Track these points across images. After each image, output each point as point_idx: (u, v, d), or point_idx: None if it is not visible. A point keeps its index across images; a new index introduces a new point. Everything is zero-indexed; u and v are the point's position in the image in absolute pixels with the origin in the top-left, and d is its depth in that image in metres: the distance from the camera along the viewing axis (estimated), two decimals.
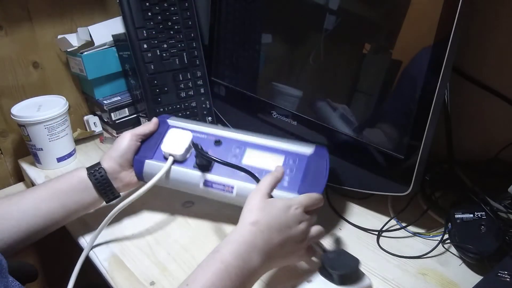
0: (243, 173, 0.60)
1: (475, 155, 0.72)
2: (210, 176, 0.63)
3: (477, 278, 0.55)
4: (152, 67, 0.87)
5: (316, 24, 0.70)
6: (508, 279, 0.50)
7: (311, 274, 0.54)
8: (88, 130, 0.94)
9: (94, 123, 0.94)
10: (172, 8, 0.88)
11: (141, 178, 0.66)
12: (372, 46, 0.65)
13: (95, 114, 0.96)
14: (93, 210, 0.65)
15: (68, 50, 0.89)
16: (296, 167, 0.63)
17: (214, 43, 0.92)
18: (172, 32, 0.88)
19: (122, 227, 0.67)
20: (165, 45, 0.88)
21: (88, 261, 0.62)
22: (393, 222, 0.66)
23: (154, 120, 0.70)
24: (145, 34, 0.86)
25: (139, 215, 0.70)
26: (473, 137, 0.74)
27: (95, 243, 0.64)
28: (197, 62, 0.91)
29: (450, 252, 0.61)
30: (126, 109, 0.93)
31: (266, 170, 0.62)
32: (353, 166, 0.68)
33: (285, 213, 0.51)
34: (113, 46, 0.89)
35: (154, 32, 0.87)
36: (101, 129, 0.95)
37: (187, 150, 0.64)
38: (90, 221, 0.69)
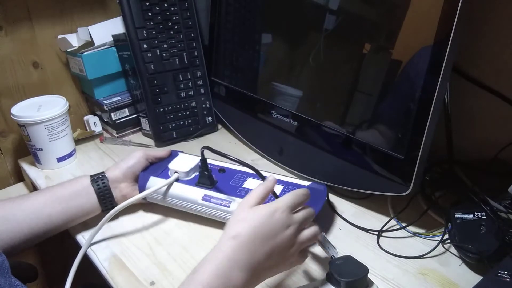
0: (242, 192, 0.64)
1: (475, 155, 0.71)
2: (210, 192, 0.65)
3: (477, 278, 0.55)
4: (152, 67, 0.87)
5: (316, 24, 0.70)
6: (508, 279, 0.50)
7: (318, 281, 0.54)
8: (88, 130, 0.94)
9: (94, 123, 0.94)
10: (172, 8, 0.88)
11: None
12: (372, 46, 0.65)
13: (95, 114, 0.96)
14: (92, 216, 0.66)
15: (68, 50, 0.89)
16: None
17: (214, 43, 0.92)
18: (172, 32, 0.88)
19: (122, 227, 0.67)
20: (165, 45, 0.88)
21: (88, 261, 0.62)
22: (393, 222, 0.66)
23: (168, 150, 0.74)
24: (145, 34, 0.86)
25: (139, 215, 0.70)
26: (473, 137, 0.74)
27: (94, 241, 0.64)
28: (197, 62, 0.91)
29: (450, 252, 0.61)
30: (126, 109, 0.93)
31: None
32: (353, 166, 0.68)
33: (270, 219, 0.47)
34: (113, 46, 0.89)
35: (154, 32, 0.87)
36: (101, 129, 0.95)
37: (192, 170, 0.68)
38: (90, 221, 0.69)
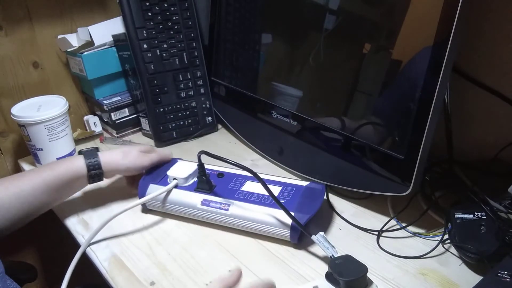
0: (241, 196, 0.65)
1: (475, 155, 0.72)
2: (208, 197, 0.65)
3: (477, 278, 0.55)
4: (152, 67, 0.87)
5: (316, 24, 0.70)
6: (508, 279, 0.50)
7: (317, 280, 0.54)
8: (88, 130, 0.94)
9: (94, 123, 0.94)
10: (172, 8, 0.88)
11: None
12: (372, 46, 0.65)
13: (95, 114, 0.96)
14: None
15: (68, 50, 0.89)
16: (292, 194, 0.65)
17: (214, 43, 0.92)
18: (172, 32, 0.88)
19: (122, 227, 0.67)
20: (165, 45, 0.88)
21: (88, 261, 0.62)
22: (393, 222, 0.66)
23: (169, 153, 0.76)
24: (145, 34, 0.86)
25: (139, 215, 0.70)
26: (473, 137, 0.74)
27: (94, 241, 0.64)
28: (197, 62, 0.91)
29: (450, 252, 0.61)
30: (126, 109, 0.93)
31: (264, 196, 0.64)
32: (353, 166, 0.68)
33: None
34: (113, 46, 0.89)
35: (154, 32, 0.87)
36: (101, 129, 0.95)
37: (191, 176, 0.68)
38: (90, 221, 0.69)
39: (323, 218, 0.67)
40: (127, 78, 0.93)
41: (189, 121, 0.92)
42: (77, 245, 0.65)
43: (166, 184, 0.67)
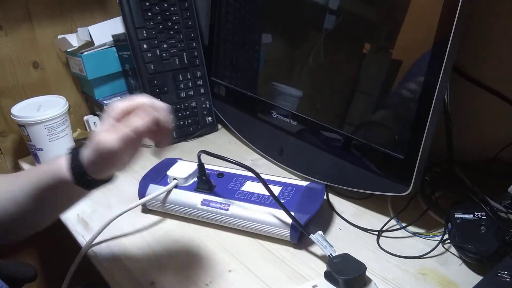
0: (241, 195, 0.65)
1: (475, 155, 0.72)
2: (208, 197, 0.65)
3: (477, 278, 0.55)
4: (152, 67, 0.87)
5: (316, 24, 0.70)
6: (508, 279, 0.50)
7: (316, 279, 0.54)
8: (88, 130, 0.94)
9: (94, 123, 0.94)
10: (172, 8, 0.88)
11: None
12: (372, 46, 0.65)
13: (95, 114, 0.96)
14: None
15: (68, 50, 0.89)
16: (292, 194, 0.65)
17: (214, 43, 0.92)
18: (172, 32, 0.88)
19: (122, 227, 0.67)
20: (165, 45, 0.88)
21: (88, 261, 0.62)
22: (393, 222, 0.66)
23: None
24: (145, 34, 0.86)
25: (139, 215, 0.70)
26: (473, 137, 0.74)
27: (94, 242, 0.64)
28: (197, 62, 0.91)
29: (450, 252, 0.61)
30: None
31: (264, 195, 0.64)
32: (353, 166, 0.68)
33: None
34: (113, 46, 0.89)
35: (154, 32, 0.87)
36: None
37: (191, 176, 0.68)
38: (90, 221, 0.69)
39: (323, 218, 0.67)
40: (127, 78, 0.93)
41: (189, 121, 0.92)
42: (77, 245, 0.65)
43: (166, 184, 0.67)
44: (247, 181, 0.68)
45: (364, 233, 0.65)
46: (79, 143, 0.57)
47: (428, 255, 0.60)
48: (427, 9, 0.56)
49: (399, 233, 0.64)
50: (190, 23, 0.90)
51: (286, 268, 0.58)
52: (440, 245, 0.61)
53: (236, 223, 0.63)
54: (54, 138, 0.80)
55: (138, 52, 0.86)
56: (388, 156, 0.63)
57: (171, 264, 0.60)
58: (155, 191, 0.66)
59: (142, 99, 0.49)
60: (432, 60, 0.55)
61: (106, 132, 0.46)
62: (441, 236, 0.61)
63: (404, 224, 0.65)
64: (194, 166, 0.69)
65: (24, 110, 0.80)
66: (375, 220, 0.67)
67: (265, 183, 0.59)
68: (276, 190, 0.65)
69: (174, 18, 0.88)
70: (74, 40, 0.88)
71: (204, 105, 0.93)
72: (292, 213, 0.59)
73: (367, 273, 0.52)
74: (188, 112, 0.91)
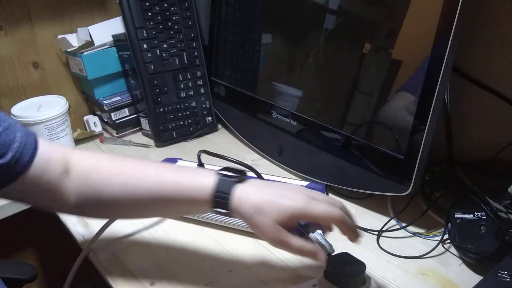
0: None
1: (475, 155, 0.71)
2: None
3: (477, 278, 0.55)
4: (152, 67, 0.87)
5: (316, 24, 0.70)
6: (508, 279, 0.50)
7: (316, 278, 0.54)
8: (88, 130, 0.94)
9: (94, 123, 0.94)
10: (172, 8, 0.88)
11: None
12: (372, 46, 0.65)
13: (95, 114, 0.96)
14: None
15: (68, 50, 0.89)
16: None
17: (214, 43, 0.92)
18: (172, 32, 0.88)
19: (122, 227, 0.67)
20: (165, 45, 0.88)
21: (88, 261, 0.62)
22: (393, 222, 0.66)
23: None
24: (145, 34, 0.86)
25: None
26: (473, 137, 0.74)
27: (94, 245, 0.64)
28: (197, 62, 0.91)
29: (450, 252, 0.61)
30: (126, 109, 0.93)
31: None
32: (353, 166, 0.68)
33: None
34: (113, 46, 0.89)
35: (154, 32, 0.87)
36: (101, 129, 0.95)
37: None
38: (90, 221, 0.69)
39: None
40: (127, 78, 0.93)
41: (189, 121, 0.92)
42: (77, 245, 0.65)
43: None
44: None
45: (364, 233, 0.65)
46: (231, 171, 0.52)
47: (428, 255, 0.60)
48: (427, 9, 0.56)
49: (399, 233, 0.64)
50: (190, 23, 0.90)
51: (286, 268, 0.58)
52: (440, 245, 0.61)
53: (236, 223, 0.63)
54: (54, 138, 0.80)
55: (138, 52, 0.86)
56: (388, 156, 0.63)
57: (171, 264, 0.60)
58: None
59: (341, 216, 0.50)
60: (432, 60, 0.55)
61: (313, 203, 0.48)
62: (441, 236, 0.61)
63: (404, 224, 0.65)
64: (194, 166, 0.69)
65: (24, 110, 0.80)
66: (375, 220, 0.67)
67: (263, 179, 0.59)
68: None
69: (174, 18, 0.88)
70: (74, 40, 0.88)
71: (204, 105, 0.93)
72: None
73: (367, 273, 0.52)
74: (188, 112, 0.91)
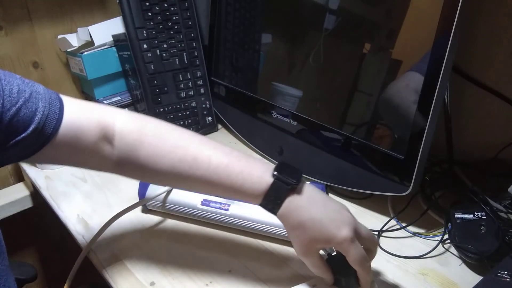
0: None
1: (475, 155, 0.72)
2: (208, 197, 0.65)
3: (477, 278, 0.55)
4: (152, 67, 0.87)
5: (316, 23, 0.70)
6: (508, 279, 0.50)
7: (316, 278, 0.54)
8: None
9: None
10: (172, 8, 0.88)
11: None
12: (372, 46, 0.65)
13: None
14: None
15: (68, 50, 0.89)
16: None
17: (214, 43, 0.92)
18: (172, 32, 0.88)
19: (122, 227, 0.67)
20: (165, 45, 0.88)
21: (88, 261, 0.62)
22: (393, 222, 0.66)
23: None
24: (145, 34, 0.86)
25: (139, 215, 0.70)
26: (473, 137, 0.74)
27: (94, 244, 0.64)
28: (197, 62, 0.91)
29: (450, 252, 0.61)
30: (126, 109, 0.93)
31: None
32: (353, 166, 0.68)
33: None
34: (113, 46, 0.89)
35: (154, 32, 0.87)
36: None
37: None
38: (90, 221, 0.69)
39: None
40: (127, 78, 0.93)
41: (189, 121, 0.92)
42: (77, 245, 0.65)
43: None
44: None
45: None
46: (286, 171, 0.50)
47: (428, 255, 0.60)
48: (427, 9, 0.56)
49: (399, 233, 0.64)
50: (190, 23, 0.90)
51: (286, 268, 0.58)
52: (440, 245, 0.61)
53: (236, 223, 0.63)
54: None
55: (138, 52, 0.86)
56: (388, 156, 0.63)
57: (171, 264, 0.60)
58: (155, 191, 0.66)
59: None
60: (432, 60, 0.55)
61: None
62: (441, 236, 0.61)
63: (404, 224, 0.65)
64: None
65: None
66: (375, 220, 0.67)
67: None
68: None
69: (174, 18, 0.88)
70: (74, 40, 0.88)
71: (204, 105, 0.93)
72: None
73: None
74: (188, 112, 0.91)
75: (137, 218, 0.69)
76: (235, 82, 0.90)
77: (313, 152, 0.74)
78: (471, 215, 0.60)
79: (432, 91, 0.55)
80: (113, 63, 0.91)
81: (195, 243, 0.64)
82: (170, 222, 0.68)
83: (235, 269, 0.58)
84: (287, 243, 0.62)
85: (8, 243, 0.48)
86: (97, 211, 0.71)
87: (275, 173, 0.49)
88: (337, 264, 0.52)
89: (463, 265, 0.58)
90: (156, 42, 0.87)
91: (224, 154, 0.50)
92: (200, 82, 0.92)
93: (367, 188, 0.67)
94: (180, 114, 0.91)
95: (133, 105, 0.93)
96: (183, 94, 0.90)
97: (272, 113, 0.80)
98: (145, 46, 0.86)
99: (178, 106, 0.90)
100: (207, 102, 0.93)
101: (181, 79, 0.90)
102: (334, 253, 0.55)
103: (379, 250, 0.61)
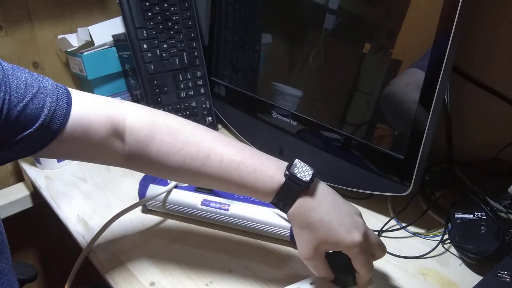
0: (240, 196, 0.63)
1: (475, 155, 0.72)
2: (208, 197, 0.65)
3: (477, 278, 0.55)
4: (152, 67, 0.87)
5: (316, 23, 0.70)
6: (508, 279, 0.50)
7: (313, 276, 0.54)
8: None
9: None
10: (172, 8, 0.88)
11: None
12: (372, 46, 0.65)
13: None
14: None
15: (68, 50, 0.89)
16: None
17: (214, 43, 0.92)
18: (172, 32, 0.88)
19: (122, 227, 0.67)
20: (165, 45, 0.88)
21: (88, 261, 0.62)
22: (393, 222, 0.66)
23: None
24: (145, 34, 0.86)
25: (139, 215, 0.70)
26: (473, 137, 0.74)
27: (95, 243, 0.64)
28: (197, 62, 0.91)
29: (450, 252, 0.61)
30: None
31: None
32: (353, 166, 0.68)
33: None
34: (113, 46, 0.89)
35: (154, 32, 0.87)
36: None
37: None
38: (90, 221, 0.69)
39: None
40: (127, 78, 0.93)
41: None
42: (77, 245, 0.65)
43: (166, 184, 0.67)
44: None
45: None
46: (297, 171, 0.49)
47: (428, 255, 0.60)
48: (427, 9, 0.56)
49: (399, 233, 0.64)
50: (190, 23, 0.90)
51: (286, 268, 0.58)
52: (440, 245, 0.61)
53: (236, 223, 0.63)
54: None
55: (138, 52, 0.86)
56: (388, 156, 0.63)
57: (171, 264, 0.60)
58: (155, 191, 0.66)
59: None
60: (432, 60, 0.55)
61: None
62: (441, 236, 0.61)
63: (404, 224, 0.65)
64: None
65: None
66: (375, 220, 0.67)
67: None
68: None
69: (174, 18, 0.88)
70: (74, 40, 0.88)
71: (204, 105, 0.93)
72: None
73: None
74: (188, 112, 0.91)
75: (137, 218, 0.69)
76: (235, 82, 0.90)
77: (313, 152, 0.74)
78: (471, 215, 0.60)
79: (432, 91, 0.55)
80: (113, 63, 0.91)
81: (195, 243, 0.64)
82: (170, 222, 0.68)
83: (235, 269, 0.58)
84: (287, 243, 0.62)
85: (8, 243, 0.48)
86: (97, 211, 0.71)
87: (287, 172, 0.48)
88: (335, 261, 0.52)
89: (463, 265, 0.58)
90: (156, 42, 0.87)
91: (236, 151, 0.50)
92: (200, 82, 0.92)
93: (367, 188, 0.67)
94: (180, 114, 0.91)
95: None
96: (183, 94, 0.90)
97: (272, 113, 0.80)
98: (145, 46, 0.86)
99: (178, 106, 0.90)
100: (207, 102, 0.93)
101: (181, 79, 0.90)
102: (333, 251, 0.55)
103: None
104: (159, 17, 0.87)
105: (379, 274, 0.57)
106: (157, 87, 0.88)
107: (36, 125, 0.44)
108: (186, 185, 0.68)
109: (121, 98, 0.93)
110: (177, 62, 0.89)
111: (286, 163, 0.50)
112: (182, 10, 0.89)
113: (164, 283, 0.57)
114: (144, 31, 0.86)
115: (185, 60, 0.90)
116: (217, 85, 0.94)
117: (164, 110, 0.88)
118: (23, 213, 0.89)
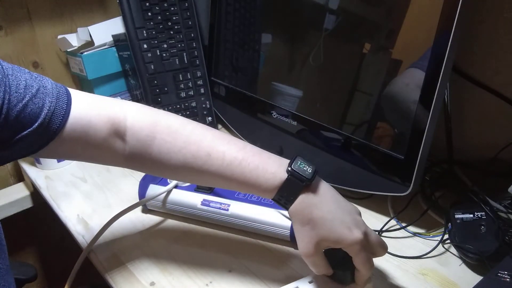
0: (241, 196, 0.64)
1: (475, 155, 0.71)
2: (208, 197, 0.65)
3: (477, 278, 0.55)
4: (152, 67, 0.87)
5: (316, 23, 0.70)
6: (508, 279, 0.50)
7: (312, 274, 0.54)
8: None
9: None
10: (172, 8, 0.88)
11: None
12: (372, 46, 0.65)
13: None
14: None
15: (68, 50, 0.89)
16: None
17: (214, 43, 0.92)
18: (172, 32, 0.88)
19: (122, 227, 0.67)
20: (165, 45, 0.88)
21: (88, 262, 0.62)
22: (393, 222, 0.66)
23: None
24: (145, 34, 0.86)
25: (139, 215, 0.70)
26: (473, 137, 0.74)
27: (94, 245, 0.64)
28: (197, 62, 0.91)
29: (450, 252, 0.61)
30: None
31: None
32: (353, 166, 0.68)
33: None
34: (113, 46, 0.89)
35: (154, 32, 0.87)
36: None
37: None
38: (90, 221, 0.69)
39: None
40: (127, 78, 0.93)
41: None
42: (77, 245, 0.65)
43: (166, 184, 0.67)
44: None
45: None
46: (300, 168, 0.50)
47: (428, 255, 0.60)
48: (427, 9, 0.56)
49: (399, 233, 0.64)
50: (190, 23, 0.90)
51: (286, 268, 0.58)
52: (440, 245, 0.61)
53: (236, 223, 0.63)
54: None
55: (138, 52, 0.86)
56: (388, 156, 0.63)
57: (171, 264, 0.60)
58: (155, 191, 0.66)
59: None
60: (432, 60, 0.55)
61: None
62: (441, 236, 0.61)
63: (404, 224, 0.65)
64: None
65: None
66: (375, 220, 0.67)
67: None
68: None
69: (174, 18, 0.88)
70: (74, 40, 0.88)
71: (204, 105, 0.93)
72: None
73: None
74: (188, 112, 0.91)
75: (137, 218, 0.69)
76: (235, 82, 0.90)
77: (313, 152, 0.74)
78: (471, 215, 0.60)
79: (432, 91, 0.55)
80: (113, 63, 0.91)
81: (195, 243, 0.64)
82: (170, 222, 0.68)
83: (235, 269, 0.58)
84: (287, 243, 0.62)
85: (8, 243, 0.48)
86: (97, 211, 0.71)
87: (289, 168, 0.49)
88: (334, 257, 0.51)
89: (463, 265, 0.58)
90: (156, 42, 0.87)
91: (238, 149, 0.50)
92: (200, 82, 0.92)
93: (367, 188, 0.67)
94: (180, 114, 0.90)
95: None
96: (183, 94, 0.90)
97: (272, 113, 0.80)
98: (145, 46, 0.86)
99: (178, 106, 0.90)
100: (207, 102, 0.93)
101: (181, 79, 0.90)
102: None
103: None
104: (159, 17, 0.87)
105: (379, 274, 0.57)
106: (157, 87, 0.88)
107: (36, 124, 0.44)
108: (186, 185, 0.68)
109: (121, 98, 0.93)
110: (177, 62, 0.89)
111: (288, 160, 0.51)
112: (182, 10, 0.89)
113: (164, 283, 0.57)
114: (144, 31, 0.86)
115: (185, 60, 0.90)
116: (217, 85, 0.94)
117: (164, 110, 0.89)
118: (23, 213, 0.89)
